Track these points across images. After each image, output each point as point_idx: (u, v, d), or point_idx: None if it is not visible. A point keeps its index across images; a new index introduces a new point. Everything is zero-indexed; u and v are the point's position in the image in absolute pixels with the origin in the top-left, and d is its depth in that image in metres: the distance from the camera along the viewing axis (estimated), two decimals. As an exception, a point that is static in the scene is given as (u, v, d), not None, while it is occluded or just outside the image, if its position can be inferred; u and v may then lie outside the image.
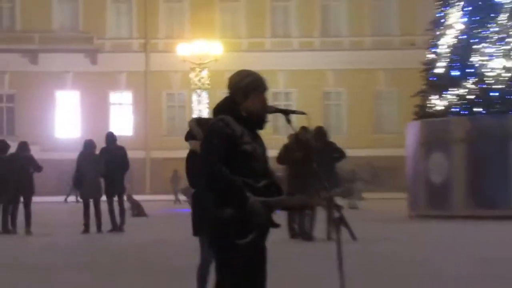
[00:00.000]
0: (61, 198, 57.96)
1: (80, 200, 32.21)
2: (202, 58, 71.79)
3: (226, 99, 8.59)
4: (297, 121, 9.31)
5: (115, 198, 32.06)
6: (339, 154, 27.48)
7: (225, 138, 8.38)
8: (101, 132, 35.42)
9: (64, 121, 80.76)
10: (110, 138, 32.68)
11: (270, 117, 8.66)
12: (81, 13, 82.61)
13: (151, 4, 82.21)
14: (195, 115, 72.08)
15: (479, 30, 38.28)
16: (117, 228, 31.68)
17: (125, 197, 34.07)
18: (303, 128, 25.58)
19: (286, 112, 8.80)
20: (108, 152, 32.06)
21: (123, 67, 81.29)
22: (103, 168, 31.68)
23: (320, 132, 27.76)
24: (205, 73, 72.08)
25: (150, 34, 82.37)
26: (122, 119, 79.78)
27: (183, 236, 26.13)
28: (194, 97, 73.65)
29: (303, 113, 9.14)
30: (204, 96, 72.06)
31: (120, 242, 28.54)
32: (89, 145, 32.51)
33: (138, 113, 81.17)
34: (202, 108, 72.02)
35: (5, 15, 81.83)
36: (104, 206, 31.64)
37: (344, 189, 34.33)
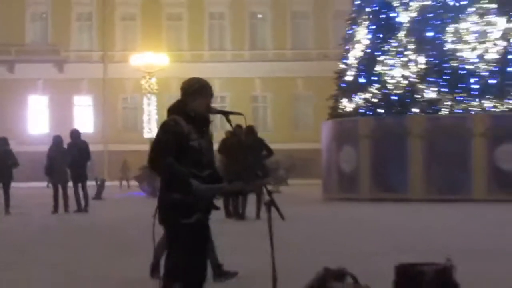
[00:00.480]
0: (34, 184, 57.35)
1: (50, 185, 32.18)
2: (151, 67, 71.55)
3: (178, 101, 8.80)
4: (234, 120, 9.29)
5: (79, 184, 32.20)
6: (268, 152, 27.62)
7: (174, 135, 8.52)
8: (67, 129, 35.49)
9: (36, 120, 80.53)
10: (75, 133, 32.78)
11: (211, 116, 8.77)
12: (50, 29, 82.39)
13: (109, 22, 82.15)
14: (145, 116, 72.16)
15: (382, 45, 38.47)
16: (81, 209, 31.80)
17: (99, 181, 34.24)
18: (238, 126, 25.65)
19: (226, 113, 8.88)
20: (74, 146, 32.09)
21: (85, 75, 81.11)
22: (70, 159, 31.70)
23: (250, 130, 27.83)
24: (153, 80, 71.77)
25: (107, 47, 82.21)
26: (84, 118, 79.36)
27: (137, 215, 26.15)
28: (145, 100, 73.31)
29: (240, 114, 9.18)
30: (153, 99, 71.72)
31: (85, 220, 28.47)
32: (57, 139, 32.67)
33: (97, 113, 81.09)
34: (151, 109, 71.74)
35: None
36: (70, 191, 31.74)
37: (275, 177, 34.36)
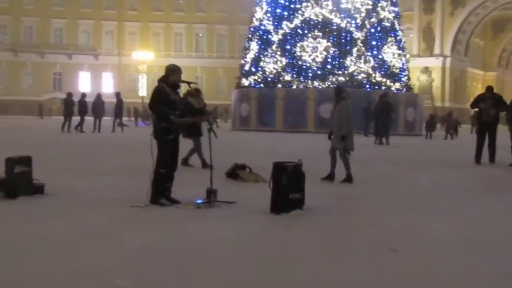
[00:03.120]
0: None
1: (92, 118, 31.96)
2: (144, 59, 70.73)
3: (163, 76, 8.73)
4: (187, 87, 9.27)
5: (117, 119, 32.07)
6: (204, 104, 27.50)
7: (163, 93, 8.43)
8: (99, 89, 35.39)
9: (83, 84, 78.48)
10: (117, 94, 32.96)
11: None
12: (91, 37, 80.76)
13: (121, 35, 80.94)
14: (140, 85, 71.31)
15: (263, 52, 38.45)
16: (114, 131, 31.95)
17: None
18: (190, 90, 25.44)
19: (188, 82, 8.87)
20: (118, 100, 32.48)
21: (109, 62, 79.99)
22: (115, 108, 32.77)
23: (198, 92, 27.72)
24: (145, 66, 70.96)
25: (121, 47, 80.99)
26: (108, 85, 77.94)
27: (141, 134, 25.62)
28: (140, 76, 72.55)
29: (195, 83, 9.23)
30: (144, 76, 70.92)
31: (113, 136, 27.98)
32: (98, 95, 32.67)
33: (115, 82, 79.58)
34: (143, 82, 70.95)
35: (58, 35, 79.57)
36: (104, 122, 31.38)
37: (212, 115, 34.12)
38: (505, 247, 6.31)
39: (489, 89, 16.41)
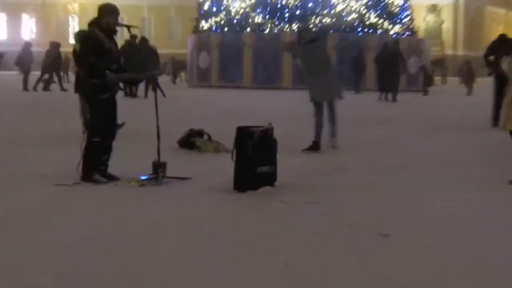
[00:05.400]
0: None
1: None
2: (76, -2, 70.29)
3: (95, 18, 8.75)
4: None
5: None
6: (156, 56, 27.46)
7: (94, 40, 8.40)
8: (10, 38, 34.39)
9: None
10: (57, 45, 32.55)
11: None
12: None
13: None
14: (71, 28, 70.68)
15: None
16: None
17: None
18: (133, 37, 25.59)
19: (128, 26, 8.88)
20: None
21: (30, 1, 78.77)
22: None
23: (144, 40, 27.73)
24: (76, 6, 70.26)
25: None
26: (30, 31, 76.50)
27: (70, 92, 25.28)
28: (70, 18, 71.76)
29: (137, 27, 9.22)
30: (76, 19, 70.13)
31: (41, 94, 27.67)
32: (27, 44, 32.51)
33: (41, 25, 77.96)
34: (74, 24, 70.07)
35: None
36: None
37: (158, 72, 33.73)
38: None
39: (501, 38, 16.72)
